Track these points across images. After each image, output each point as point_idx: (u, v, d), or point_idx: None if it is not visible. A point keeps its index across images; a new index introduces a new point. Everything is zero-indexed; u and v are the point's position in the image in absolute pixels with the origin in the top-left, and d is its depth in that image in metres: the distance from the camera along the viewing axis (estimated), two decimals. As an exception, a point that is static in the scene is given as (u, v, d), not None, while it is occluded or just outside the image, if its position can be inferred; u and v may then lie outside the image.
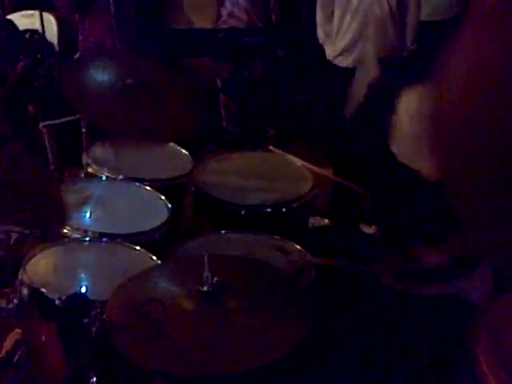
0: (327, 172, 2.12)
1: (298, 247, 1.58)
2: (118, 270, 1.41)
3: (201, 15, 3.62)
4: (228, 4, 3.53)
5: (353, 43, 2.86)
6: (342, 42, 2.91)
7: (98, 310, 1.22)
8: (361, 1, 2.75)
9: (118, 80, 1.76)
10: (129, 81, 1.73)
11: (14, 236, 1.58)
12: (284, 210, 1.74)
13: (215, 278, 1.18)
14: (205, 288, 1.17)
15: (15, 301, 1.33)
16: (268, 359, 1.08)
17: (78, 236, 1.52)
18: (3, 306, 1.36)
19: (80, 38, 2.73)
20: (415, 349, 1.39)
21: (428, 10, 2.97)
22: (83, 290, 1.31)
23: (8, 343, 1.54)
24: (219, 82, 3.54)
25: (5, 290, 1.39)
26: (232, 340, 1.11)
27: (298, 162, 1.96)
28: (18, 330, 1.50)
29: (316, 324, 1.22)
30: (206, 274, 1.17)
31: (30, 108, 2.95)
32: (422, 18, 2.89)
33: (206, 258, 1.18)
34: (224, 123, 3.61)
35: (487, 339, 0.96)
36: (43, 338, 1.28)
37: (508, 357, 0.92)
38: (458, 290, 1.48)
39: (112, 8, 2.32)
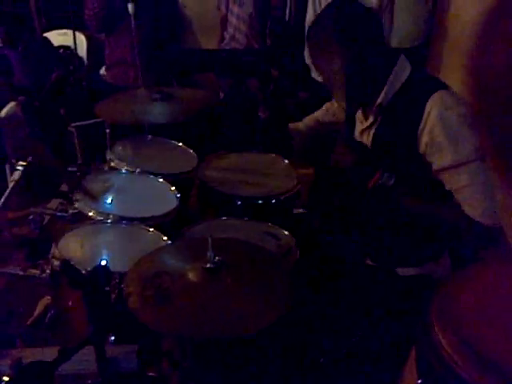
0: (308, 171, 2.13)
1: (286, 232, 1.58)
2: (135, 248, 1.40)
3: (207, 37, 3.61)
4: (230, 29, 3.51)
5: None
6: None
7: (117, 280, 1.22)
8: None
9: (144, 99, 1.75)
10: (156, 96, 1.72)
11: (47, 217, 1.56)
12: (273, 201, 1.74)
13: (217, 257, 1.17)
14: (208, 265, 1.17)
15: (48, 271, 1.32)
16: (259, 325, 1.08)
17: (101, 218, 1.51)
18: (37, 275, 1.35)
19: (106, 53, 2.70)
20: (387, 322, 1.38)
21: (399, 38, 2.97)
22: (105, 263, 1.30)
23: (40, 307, 1.53)
24: (221, 94, 3.53)
25: (39, 262, 1.38)
26: (229, 309, 1.11)
27: (286, 161, 1.96)
28: (49, 297, 1.49)
29: (299, 297, 1.22)
30: (210, 253, 1.17)
31: (62, 111, 2.93)
32: (394, 44, 2.89)
33: (210, 240, 1.17)
34: (225, 129, 3.60)
35: (441, 308, 0.96)
36: (70, 303, 1.28)
37: (459, 321, 0.92)
38: (429, 271, 1.48)
39: (133, 28, 2.29)
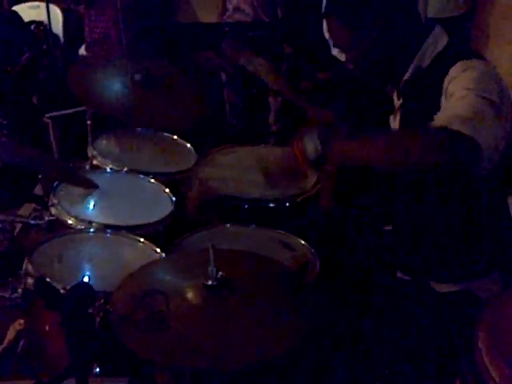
0: (330, 167, 2.13)
1: (302, 242, 1.59)
2: (122, 262, 1.41)
3: (206, 9, 3.61)
4: (234, -2, 3.51)
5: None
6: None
7: (102, 301, 1.23)
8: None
9: (125, 75, 1.77)
10: (137, 77, 1.73)
11: (18, 226, 1.58)
12: (288, 204, 1.74)
13: (220, 273, 1.17)
14: (209, 282, 1.17)
15: (19, 290, 1.33)
16: (270, 355, 1.08)
17: (82, 227, 1.52)
18: (7, 295, 1.36)
19: (86, 29, 2.73)
20: (424, 350, 1.38)
21: (436, 8, 2.96)
22: (87, 280, 1.31)
23: (11, 333, 1.55)
24: (224, 76, 3.54)
25: (9, 279, 1.39)
26: (235, 334, 1.11)
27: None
28: (21, 321, 1.51)
29: (321, 319, 1.22)
30: (211, 267, 1.17)
31: (35, 99, 2.95)
32: (431, 14, 2.88)
33: (211, 252, 1.18)
34: (228, 117, 3.61)
35: (489, 332, 0.96)
36: (47, 328, 1.29)
37: (509, 350, 0.91)
38: (473, 287, 1.47)
39: (118, 0, 2.31)
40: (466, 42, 2.74)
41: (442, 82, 1.31)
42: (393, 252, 1.60)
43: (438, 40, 1.39)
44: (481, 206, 1.40)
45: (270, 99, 3.61)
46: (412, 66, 1.39)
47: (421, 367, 1.37)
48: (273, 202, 1.71)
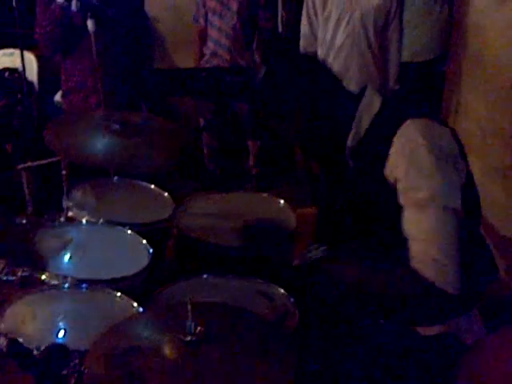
0: (310, 210, 2.16)
1: (282, 291, 1.60)
2: (99, 318, 1.40)
3: (183, 55, 3.70)
4: (211, 43, 3.60)
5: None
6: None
7: (77, 361, 1.22)
8: (344, 41, 2.82)
9: (102, 125, 1.79)
10: (114, 126, 1.76)
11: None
12: (268, 250, 1.76)
13: (199, 327, 1.18)
14: (188, 337, 1.17)
15: (-10, 351, 1.31)
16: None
17: (56, 283, 1.51)
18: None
19: (62, 77, 2.76)
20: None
21: (411, 52, 3.07)
22: (62, 339, 1.30)
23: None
24: (202, 121, 3.59)
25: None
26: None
27: (281, 201, 1.99)
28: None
29: (302, 370, 1.23)
30: (189, 322, 1.18)
31: (8, 147, 2.96)
32: (407, 59, 2.99)
33: (189, 306, 1.18)
34: (206, 162, 3.64)
35: (471, 378, 0.97)
36: (19, 390, 1.27)
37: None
38: (456, 330, 1.49)
39: (94, 48, 2.36)
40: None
41: (390, 144, 1.38)
42: (373, 297, 1.62)
43: (372, 101, 1.46)
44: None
45: (249, 143, 3.67)
46: (352, 133, 1.44)
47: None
48: (251, 249, 1.73)
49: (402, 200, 1.37)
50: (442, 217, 1.32)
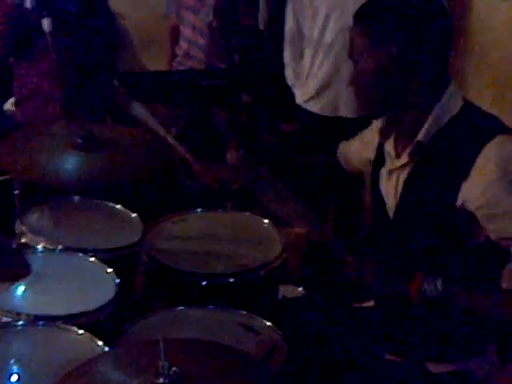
0: (300, 231, 2.17)
1: (268, 323, 1.60)
2: (58, 359, 1.39)
3: (152, 56, 3.72)
4: (183, 42, 3.61)
5: (326, 84, 2.94)
6: (315, 84, 2.98)
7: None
8: (334, 38, 2.85)
9: (63, 139, 1.80)
10: (77, 140, 1.77)
11: None
12: (251, 278, 1.76)
13: (173, 368, 1.18)
14: (161, 380, 1.17)
15: None
16: None
17: (9, 320, 1.49)
18: None
19: (15, 84, 2.76)
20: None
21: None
22: (16, 379, 1.29)
23: None
24: (174, 130, 3.60)
25: None
26: None
27: (266, 221, 2.00)
28: None
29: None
30: (162, 363, 1.18)
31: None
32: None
33: (161, 344, 1.18)
34: (180, 177, 3.64)
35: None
36: None
37: None
38: (469, 367, 1.51)
39: (52, 51, 2.36)
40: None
41: (468, 152, 1.38)
42: (377, 331, 1.63)
43: (454, 97, 1.46)
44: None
45: (229, 155, 3.68)
46: (426, 126, 1.44)
47: None
48: (233, 277, 1.74)
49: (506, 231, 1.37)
50: None
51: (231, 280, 1.73)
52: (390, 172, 1.57)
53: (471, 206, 1.39)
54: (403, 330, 1.57)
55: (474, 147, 1.38)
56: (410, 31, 1.41)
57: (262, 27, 3.91)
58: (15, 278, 1.59)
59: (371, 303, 1.72)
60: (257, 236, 1.95)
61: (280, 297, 1.89)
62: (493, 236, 1.40)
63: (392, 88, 1.46)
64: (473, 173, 1.37)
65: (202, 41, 3.56)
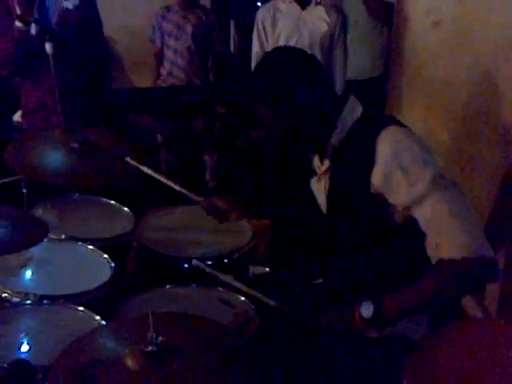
0: (264, 222, 2.17)
1: (242, 298, 1.59)
2: (62, 333, 1.36)
3: (140, 75, 3.69)
4: (167, 64, 3.61)
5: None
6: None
7: (41, 376, 1.18)
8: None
9: (62, 143, 1.77)
10: (74, 145, 1.74)
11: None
12: (226, 261, 1.75)
13: (160, 338, 1.16)
14: (149, 348, 1.15)
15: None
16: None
17: (18, 299, 1.47)
18: None
19: (22, 98, 2.69)
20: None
21: (357, 71, 3.14)
22: (26, 355, 1.26)
23: None
24: (160, 138, 3.57)
25: None
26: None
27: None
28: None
29: (260, 376, 1.22)
30: (151, 333, 1.16)
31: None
32: (352, 77, 3.04)
33: (150, 317, 1.16)
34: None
35: (414, 374, 0.99)
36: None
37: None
38: (402, 330, 1.50)
39: (53, 70, 2.31)
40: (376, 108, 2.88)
41: (368, 145, 1.39)
42: (323, 302, 1.63)
43: (355, 106, 1.49)
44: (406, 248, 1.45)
45: (206, 157, 3.67)
46: (336, 132, 1.46)
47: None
48: (211, 260, 1.72)
49: (400, 201, 1.35)
50: (450, 195, 1.32)
51: (209, 263, 1.72)
52: (319, 177, 1.57)
53: (378, 187, 1.39)
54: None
55: (373, 137, 1.40)
56: (300, 100, 1.41)
57: (233, 51, 3.90)
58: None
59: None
60: (230, 226, 1.94)
61: (250, 275, 1.88)
62: (399, 208, 1.38)
63: (305, 139, 1.48)
64: (376, 158, 1.38)
65: (182, 62, 3.54)
